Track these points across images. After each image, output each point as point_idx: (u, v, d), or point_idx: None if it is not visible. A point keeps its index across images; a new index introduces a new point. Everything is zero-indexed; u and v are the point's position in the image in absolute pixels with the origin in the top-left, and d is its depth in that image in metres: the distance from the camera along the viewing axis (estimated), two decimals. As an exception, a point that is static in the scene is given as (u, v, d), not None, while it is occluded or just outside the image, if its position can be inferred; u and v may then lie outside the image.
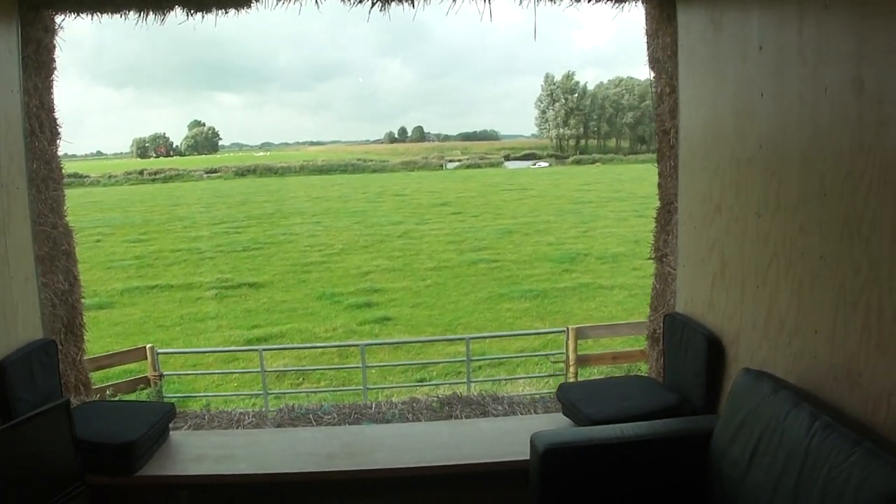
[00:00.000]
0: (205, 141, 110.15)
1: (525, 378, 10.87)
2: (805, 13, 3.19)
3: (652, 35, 5.08)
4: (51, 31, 4.66)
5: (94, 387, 8.40)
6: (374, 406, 5.18)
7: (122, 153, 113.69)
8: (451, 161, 76.00)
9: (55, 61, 4.75)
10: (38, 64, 4.59)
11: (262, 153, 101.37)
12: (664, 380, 4.79)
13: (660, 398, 4.40)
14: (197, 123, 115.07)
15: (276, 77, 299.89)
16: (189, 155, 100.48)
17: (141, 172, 63.05)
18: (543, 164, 74.55)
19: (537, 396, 5.60)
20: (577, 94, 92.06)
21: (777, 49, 3.44)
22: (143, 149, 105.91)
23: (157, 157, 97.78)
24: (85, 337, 5.28)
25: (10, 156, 4.11)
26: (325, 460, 4.00)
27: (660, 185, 5.25)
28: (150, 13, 4.49)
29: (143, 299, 19.58)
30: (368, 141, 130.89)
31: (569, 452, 3.47)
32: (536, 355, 12.04)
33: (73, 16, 4.60)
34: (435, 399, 5.36)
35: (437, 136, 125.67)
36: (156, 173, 62.64)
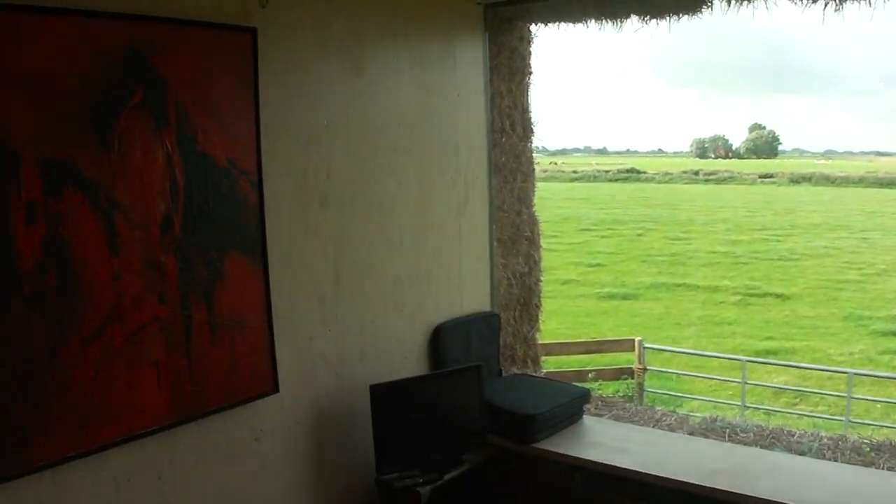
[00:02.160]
0: (764, 145, 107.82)
1: None
2: None
3: None
4: (525, 39, 5.25)
5: (583, 369, 9.15)
6: (796, 435, 4.85)
7: (680, 152, 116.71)
8: None
9: (530, 66, 5.34)
10: (511, 69, 5.21)
11: (822, 161, 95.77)
12: None
13: None
14: (757, 126, 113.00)
15: (844, 80, 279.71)
16: (747, 158, 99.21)
17: (696, 173, 63.96)
18: None
19: None
20: None
21: None
22: (701, 149, 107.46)
23: (715, 158, 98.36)
24: (540, 317, 5.82)
25: (471, 149, 4.78)
26: (706, 475, 3.93)
27: None
28: (608, 22, 4.80)
29: (667, 296, 20.25)
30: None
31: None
32: None
33: (542, 26, 5.13)
34: (866, 442, 4.81)
35: None
36: (710, 174, 63.12)
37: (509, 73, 5.22)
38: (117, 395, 3.02)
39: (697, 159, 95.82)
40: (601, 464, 4.10)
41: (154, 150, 3.08)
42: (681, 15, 4.60)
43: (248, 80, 3.41)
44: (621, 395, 8.93)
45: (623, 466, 4.05)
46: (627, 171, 64.09)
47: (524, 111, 5.44)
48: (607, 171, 63.05)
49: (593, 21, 4.84)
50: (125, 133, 2.99)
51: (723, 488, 3.80)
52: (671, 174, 62.90)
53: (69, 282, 2.86)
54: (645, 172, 63.48)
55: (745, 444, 4.63)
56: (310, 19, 3.76)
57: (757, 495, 3.71)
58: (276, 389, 3.62)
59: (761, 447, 4.59)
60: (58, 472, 2.93)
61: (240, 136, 3.39)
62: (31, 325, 2.77)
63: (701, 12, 4.52)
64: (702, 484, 3.85)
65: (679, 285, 21.35)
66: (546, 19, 5.01)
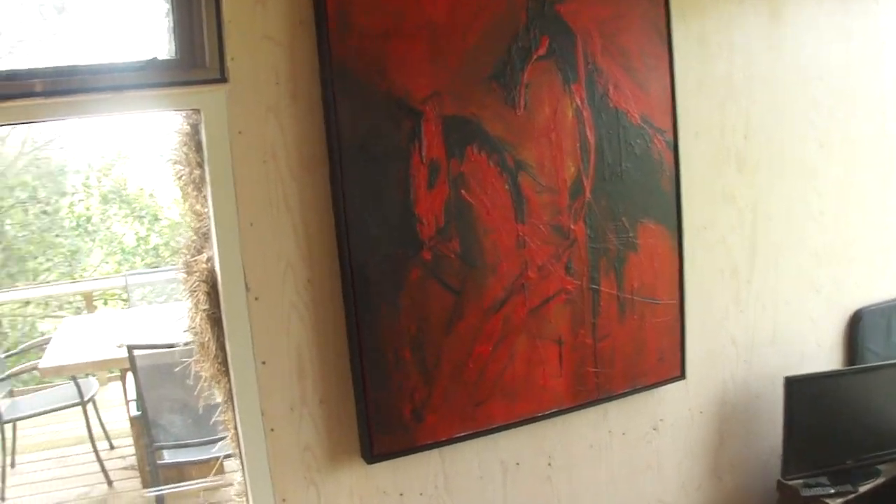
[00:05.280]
0: None
1: None
2: None
3: None
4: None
5: None
6: None
7: None
8: None
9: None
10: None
11: None
12: None
13: None
14: None
15: None
16: None
17: None
18: None
19: None
20: None
21: None
22: None
23: None
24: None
25: None
26: None
27: None
28: None
29: None
30: None
31: None
32: None
33: None
34: None
35: None
36: None
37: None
38: (515, 373, 2.59)
39: None
40: None
41: (562, 106, 2.58)
42: None
43: (660, 27, 2.78)
44: None
45: None
46: None
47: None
48: None
49: None
50: (531, 87, 2.52)
51: None
52: None
53: (472, 249, 2.46)
54: None
55: None
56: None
57: None
58: (682, 375, 2.99)
59: None
60: (446, 451, 2.60)
61: (653, 89, 2.77)
62: (429, 295, 2.41)
63: None
64: None
65: None
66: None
